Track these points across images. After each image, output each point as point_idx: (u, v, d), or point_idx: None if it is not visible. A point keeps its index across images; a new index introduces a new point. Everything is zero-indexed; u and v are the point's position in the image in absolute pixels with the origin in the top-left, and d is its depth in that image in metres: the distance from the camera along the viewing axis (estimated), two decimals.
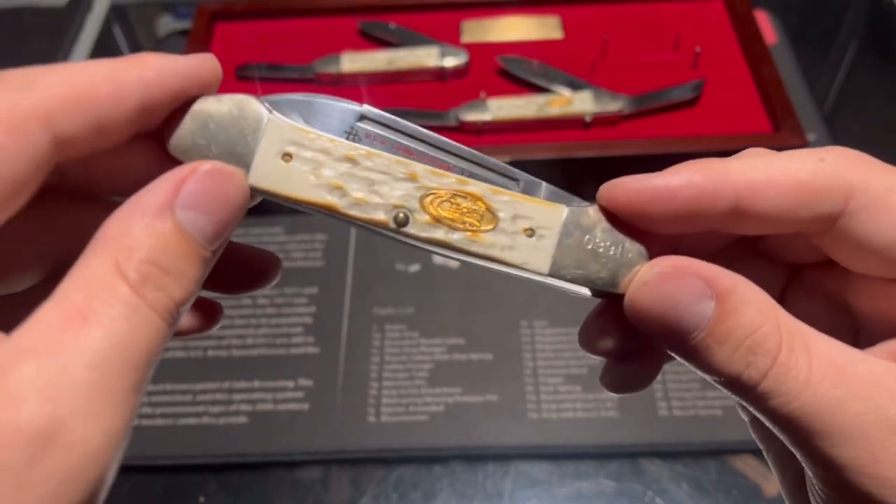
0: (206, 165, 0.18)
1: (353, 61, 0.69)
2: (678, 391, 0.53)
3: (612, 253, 0.20)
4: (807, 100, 0.73)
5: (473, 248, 0.20)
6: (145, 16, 0.85)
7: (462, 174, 0.20)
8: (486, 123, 0.64)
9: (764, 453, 0.25)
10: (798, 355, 0.18)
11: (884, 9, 0.78)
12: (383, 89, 0.69)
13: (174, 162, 0.20)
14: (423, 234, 0.20)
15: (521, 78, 0.69)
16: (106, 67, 0.18)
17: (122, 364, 0.15)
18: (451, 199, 0.20)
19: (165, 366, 0.56)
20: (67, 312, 0.15)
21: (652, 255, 0.21)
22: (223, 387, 0.55)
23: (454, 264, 0.59)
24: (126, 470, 0.52)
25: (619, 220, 0.21)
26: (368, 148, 0.20)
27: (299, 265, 0.62)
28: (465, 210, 0.20)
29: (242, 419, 0.53)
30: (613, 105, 0.65)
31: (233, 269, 0.22)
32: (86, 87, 0.17)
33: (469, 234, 0.20)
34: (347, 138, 0.20)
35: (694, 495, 0.50)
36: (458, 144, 0.21)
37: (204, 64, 0.20)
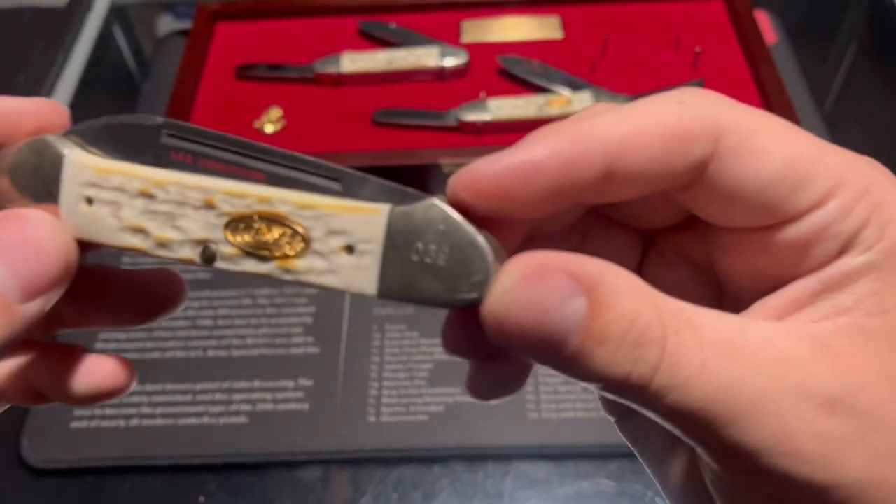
0: (14, 211, 0.18)
1: (353, 61, 0.69)
2: None
3: (444, 262, 0.17)
4: (807, 100, 0.73)
5: (288, 277, 0.18)
6: (145, 16, 0.85)
7: (273, 181, 0.18)
8: (486, 123, 0.64)
9: (639, 456, 0.22)
10: (687, 338, 0.16)
11: (884, 9, 0.78)
12: (383, 89, 0.69)
13: None
14: (234, 268, 0.18)
15: (521, 78, 0.69)
16: None
17: None
18: (255, 225, 0.17)
19: (165, 366, 0.56)
20: None
21: (504, 247, 0.18)
22: (223, 387, 0.55)
23: None
24: (126, 470, 0.52)
25: (470, 215, 0.17)
26: (160, 175, 0.18)
27: None
28: (271, 235, 0.17)
29: (242, 419, 0.53)
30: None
31: (125, 300, 0.21)
32: None
33: (279, 261, 0.17)
34: (154, 161, 0.18)
35: None
36: (266, 146, 0.18)
37: (43, 109, 0.19)
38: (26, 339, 0.20)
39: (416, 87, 0.70)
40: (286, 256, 0.17)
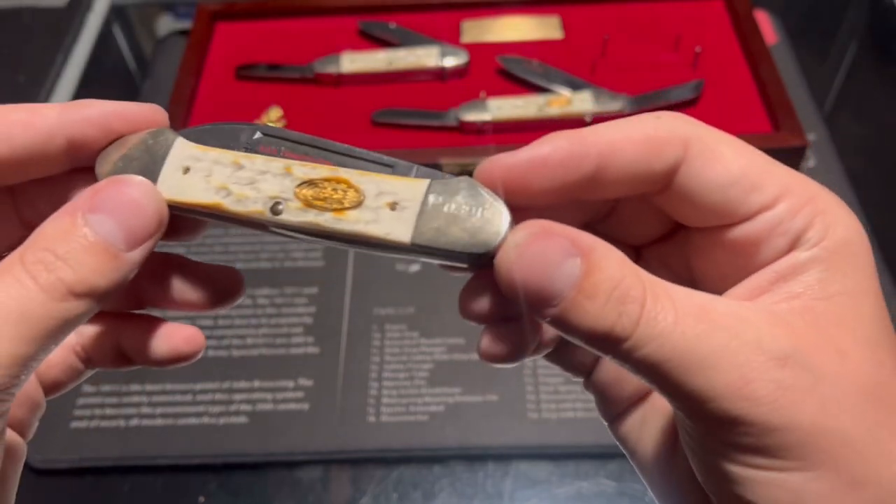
0: (115, 177, 0.21)
1: (353, 61, 0.69)
2: None
3: (472, 215, 0.21)
4: (807, 100, 0.73)
5: (339, 226, 0.21)
6: (145, 16, 0.85)
7: (340, 164, 0.22)
8: (486, 123, 0.64)
9: (629, 457, 0.26)
10: (662, 301, 0.19)
11: (884, 9, 0.78)
12: (383, 89, 0.69)
13: None
14: (296, 220, 0.21)
15: (521, 78, 0.69)
16: (29, 105, 0.22)
17: (1, 324, 0.18)
18: (321, 185, 0.21)
19: None
20: None
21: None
22: (223, 387, 0.55)
23: None
24: (126, 470, 0.52)
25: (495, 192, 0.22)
26: (252, 154, 0.22)
27: (299, 265, 0.62)
28: (333, 193, 0.21)
29: (242, 419, 0.53)
30: (613, 105, 0.65)
31: (195, 287, 0.25)
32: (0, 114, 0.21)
33: (335, 212, 0.21)
34: (245, 150, 0.22)
35: None
36: (337, 143, 0.22)
37: (150, 114, 0.23)
38: (118, 310, 0.24)
39: (416, 87, 0.70)
40: (341, 208, 0.21)
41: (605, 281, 0.19)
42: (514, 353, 0.22)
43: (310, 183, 0.21)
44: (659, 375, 0.19)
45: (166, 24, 0.84)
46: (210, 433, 0.53)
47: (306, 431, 0.53)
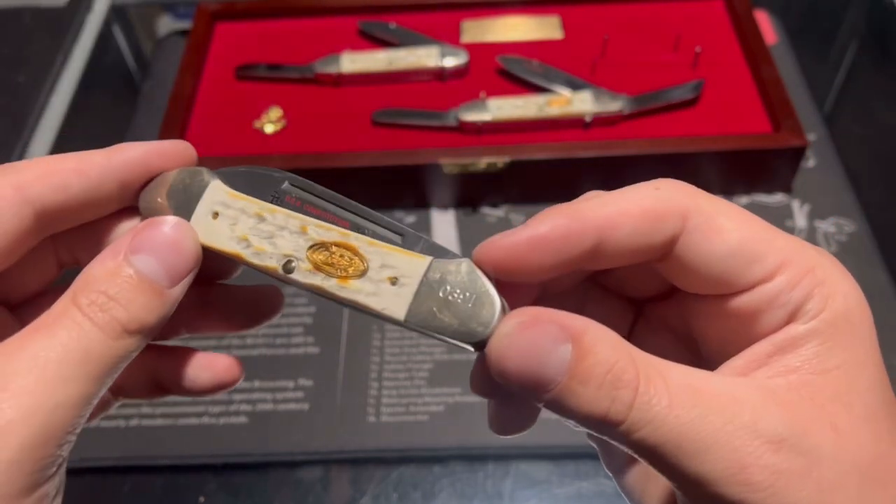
0: (153, 219, 0.22)
1: (353, 61, 0.69)
2: None
3: (462, 303, 0.21)
4: (807, 100, 0.73)
5: (342, 294, 0.22)
6: (145, 16, 0.85)
7: (354, 228, 0.23)
8: (485, 123, 0.64)
9: (617, 484, 0.26)
10: (656, 383, 0.19)
11: (884, 9, 0.78)
12: (383, 89, 0.69)
13: None
14: (305, 281, 0.23)
15: (521, 78, 0.69)
16: (77, 154, 0.23)
17: (63, 363, 0.19)
18: (331, 250, 0.23)
19: None
20: (26, 330, 0.20)
21: (515, 305, 0.22)
22: None
23: None
24: (126, 470, 0.52)
25: (491, 277, 0.22)
26: (274, 207, 0.23)
27: None
28: (341, 259, 0.22)
29: (242, 419, 0.53)
30: (613, 105, 0.65)
31: (238, 309, 0.26)
32: (54, 163, 0.22)
33: (339, 280, 0.22)
34: (271, 200, 0.24)
35: None
36: (358, 205, 0.24)
37: (181, 148, 0.24)
38: (153, 343, 0.24)
39: (416, 87, 0.70)
40: (346, 276, 0.22)
41: (597, 365, 0.19)
42: (519, 425, 0.23)
43: (321, 245, 0.23)
44: (655, 458, 0.19)
45: (166, 24, 0.84)
46: (210, 433, 0.53)
47: (306, 431, 0.53)
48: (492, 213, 0.65)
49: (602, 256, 0.21)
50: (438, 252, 0.22)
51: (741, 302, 0.21)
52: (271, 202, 0.24)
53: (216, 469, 0.52)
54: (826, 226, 0.63)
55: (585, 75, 0.69)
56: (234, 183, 0.24)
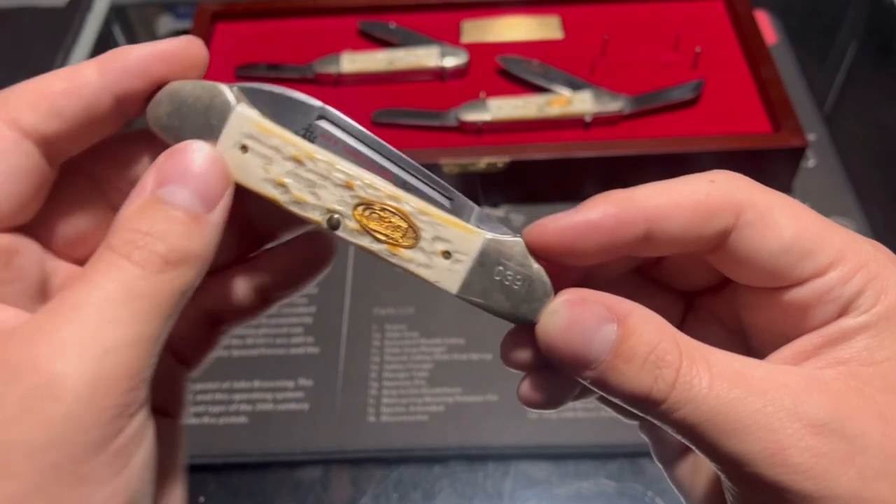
0: (175, 148, 0.21)
1: (353, 61, 0.69)
2: None
3: (516, 287, 0.22)
4: (807, 100, 0.73)
5: (393, 260, 0.22)
6: (145, 16, 0.85)
7: (401, 184, 0.22)
8: (486, 123, 0.64)
9: (667, 475, 0.26)
10: (698, 366, 0.20)
11: (884, 9, 0.78)
12: (383, 89, 0.69)
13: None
14: (351, 239, 0.22)
15: (521, 78, 0.69)
16: (66, 69, 0.21)
17: (104, 307, 0.18)
18: (381, 212, 0.21)
19: None
20: (69, 284, 0.19)
21: (559, 287, 0.22)
22: (223, 387, 0.55)
23: None
24: None
25: (540, 257, 0.22)
26: (314, 150, 0.21)
27: None
28: (390, 224, 0.21)
29: (242, 419, 0.53)
30: (613, 105, 0.65)
31: (287, 266, 0.25)
32: (42, 87, 0.20)
33: (390, 246, 0.22)
34: (304, 135, 0.22)
35: None
36: (402, 155, 0.22)
37: (186, 48, 0.22)
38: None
39: (416, 87, 0.70)
40: (397, 244, 0.21)
41: (641, 345, 0.20)
42: (554, 401, 0.23)
43: (369, 205, 0.21)
44: (695, 437, 0.20)
45: (166, 24, 0.84)
46: (210, 433, 0.53)
47: (306, 431, 0.53)
48: (492, 213, 0.65)
49: (651, 245, 0.22)
50: (489, 224, 0.22)
51: (793, 296, 0.21)
52: (303, 137, 0.22)
53: (216, 469, 0.52)
54: None
55: (585, 75, 0.69)
56: (258, 106, 0.22)
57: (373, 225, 0.21)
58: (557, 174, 0.63)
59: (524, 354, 0.23)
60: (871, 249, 0.21)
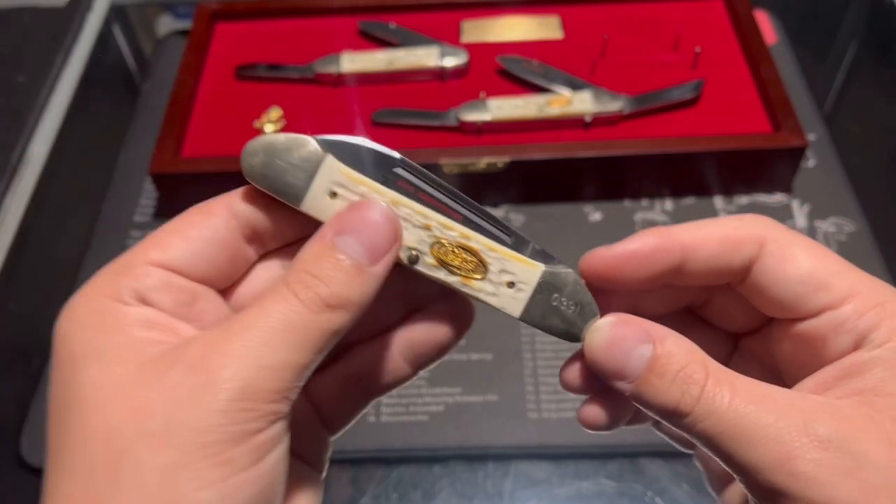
0: (357, 203, 0.23)
1: (353, 61, 0.69)
2: None
3: (570, 311, 0.25)
4: (807, 100, 0.73)
5: (465, 290, 0.25)
6: (145, 16, 0.85)
7: (468, 224, 0.25)
8: (485, 123, 0.64)
9: (708, 484, 0.29)
10: (722, 385, 0.22)
11: (884, 9, 0.78)
12: (383, 89, 0.69)
13: None
14: (429, 273, 0.24)
15: (521, 78, 0.69)
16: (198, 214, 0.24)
17: (268, 332, 0.21)
18: (454, 250, 0.24)
19: None
20: (247, 307, 0.22)
21: (608, 312, 0.25)
22: None
23: None
24: None
25: (591, 283, 0.25)
26: (398, 196, 0.24)
27: None
28: (463, 259, 0.24)
29: None
30: (613, 105, 0.65)
31: (428, 334, 0.27)
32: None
33: (463, 278, 0.25)
34: (383, 183, 0.24)
35: (694, 495, 0.50)
36: (470, 199, 0.25)
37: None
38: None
39: (416, 87, 0.70)
40: (469, 277, 0.25)
41: (672, 364, 0.22)
42: (609, 422, 0.26)
43: (442, 244, 0.24)
44: (715, 446, 0.22)
45: (166, 24, 0.84)
46: None
47: None
48: (492, 213, 0.65)
49: (687, 274, 0.25)
50: (545, 258, 0.25)
51: (809, 326, 0.24)
52: (383, 184, 0.24)
53: None
54: (826, 226, 0.63)
55: (585, 75, 0.69)
56: (342, 157, 0.24)
57: (448, 260, 0.24)
58: (557, 174, 0.63)
59: (576, 378, 0.26)
60: (890, 292, 0.23)
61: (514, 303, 0.25)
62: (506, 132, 0.65)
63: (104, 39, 0.78)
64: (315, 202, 0.23)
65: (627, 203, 0.66)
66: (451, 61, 0.69)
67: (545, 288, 0.25)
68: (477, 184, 0.63)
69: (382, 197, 0.24)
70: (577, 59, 0.70)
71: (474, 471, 0.51)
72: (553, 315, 0.25)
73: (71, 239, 0.65)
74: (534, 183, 0.64)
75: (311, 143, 0.23)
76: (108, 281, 0.22)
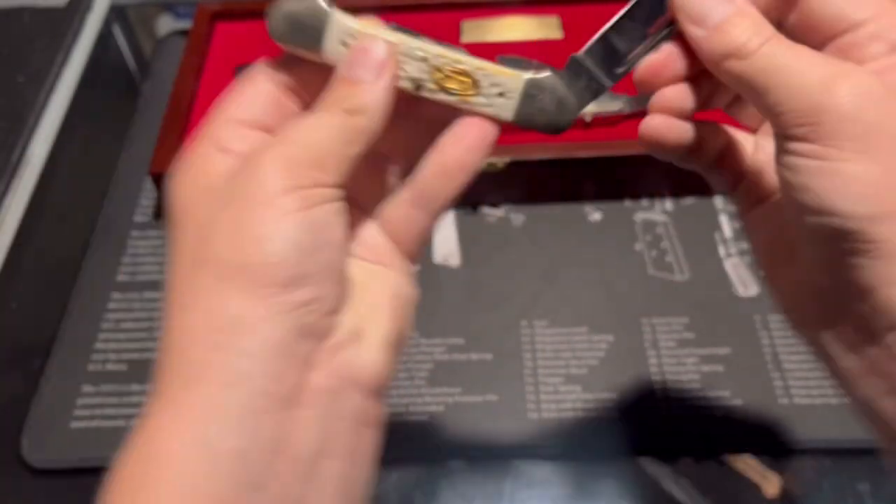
0: (358, 45, 0.29)
1: None
2: (678, 392, 0.53)
3: (553, 108, 0.31)
4: None
5: (465, 106, 0.30)
6: (145, 16, 0.85)
7: (454, 50, 0.29)
8: None
9: (752, 245, 0.34)
10: (785, 42, 0.27)
11: None
12: None
13: None
14: (433, 97, 0.29)
15: None
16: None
17: (314, 128, 0.28)
18: (450, 75, 0.29)
19: None
20: (301, 117, 0.29)
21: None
22: None
23: (454, 264, 0.59)
24: None
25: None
26: (398, 39, 0.29)
27: None
28: (458, 82, 0.29)
29: None
30: (613, 105, 0.65)
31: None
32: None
33: (461, 97, 0.30)
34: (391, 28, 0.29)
35: (694, 495, 0.50)
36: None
37: None
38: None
39: None
40: (465, 95, 0.30)
41: (748, 17, 0.27)
42: (669, 135, 0.34)
43: (439, 70, 0.29)
44: (743, 88, 0.27)
45: (166, 24, 0.84)
46: None
47: None
48: (492, 212, 0.65)
49: None
50: (524, 64, 0.31)
51: (853, 35, 0.27)
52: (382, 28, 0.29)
53: None
54: None
55: None
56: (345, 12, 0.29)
57: (446, 84, 0.29)
58: (557, 174, 0.63)
59: (651, 69, 0.34)
60: None
61: (506, 108, 0.30)
62: (506, 132, 0.65)
63: (104, 39, 0.78)
64: (332, 52, 0.28)
65: (627, 203, 0.66)
66: None
67: (530, 91, 0.30)
68: (477, 184, 0.63)
69: (382, 34, 0.29)
70: None
71: (474, 471, 0.51)
72: (539, 113, 0.31)
73: (71, 239, 0.65)
74: (534, 183, 0.64)
75: (320, 3, 0.28)
76: (202, 145, 0.29)
